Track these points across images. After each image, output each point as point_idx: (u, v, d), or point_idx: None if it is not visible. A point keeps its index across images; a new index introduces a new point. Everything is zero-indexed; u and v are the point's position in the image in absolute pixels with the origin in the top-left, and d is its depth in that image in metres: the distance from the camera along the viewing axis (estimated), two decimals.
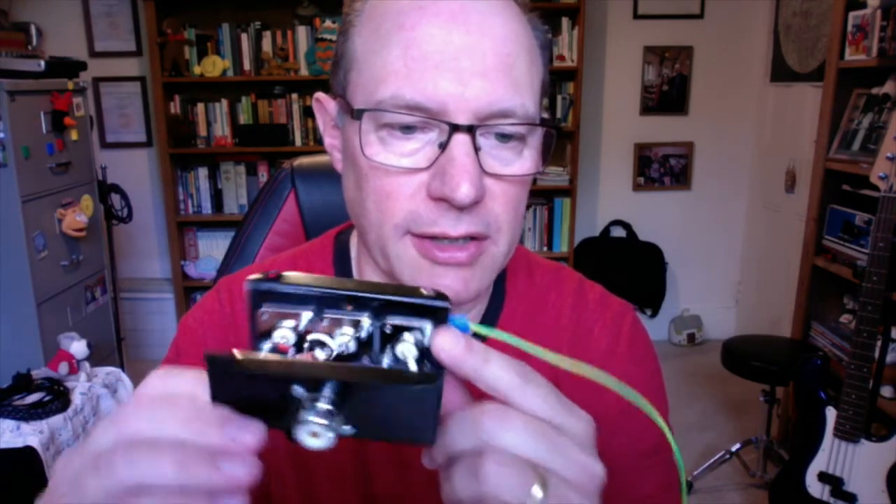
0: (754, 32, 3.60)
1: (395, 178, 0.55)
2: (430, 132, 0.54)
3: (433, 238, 0.56)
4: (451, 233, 0.55)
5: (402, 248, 0.57)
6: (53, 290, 2.56)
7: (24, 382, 2.09)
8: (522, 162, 0.57)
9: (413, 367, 0.36)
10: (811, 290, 2.53)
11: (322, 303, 0.37)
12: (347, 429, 0.34)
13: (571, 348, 0.68)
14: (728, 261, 3.89)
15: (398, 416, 0.35)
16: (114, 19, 3.50)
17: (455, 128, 0.52)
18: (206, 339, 0.67)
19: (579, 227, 3.67)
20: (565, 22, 3.43)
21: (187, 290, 3.58)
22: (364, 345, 0.37)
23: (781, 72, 3.38)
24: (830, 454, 1.88)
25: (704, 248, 3.87)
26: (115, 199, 3.04)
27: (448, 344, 0.36)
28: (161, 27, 3.29)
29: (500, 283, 0.70)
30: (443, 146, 0.53)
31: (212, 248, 3.63)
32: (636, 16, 3.62)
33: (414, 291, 0.37)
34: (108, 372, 2.32)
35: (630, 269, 3.74)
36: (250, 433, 0.34)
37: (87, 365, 2.27)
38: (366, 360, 0.37)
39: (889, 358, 2.05)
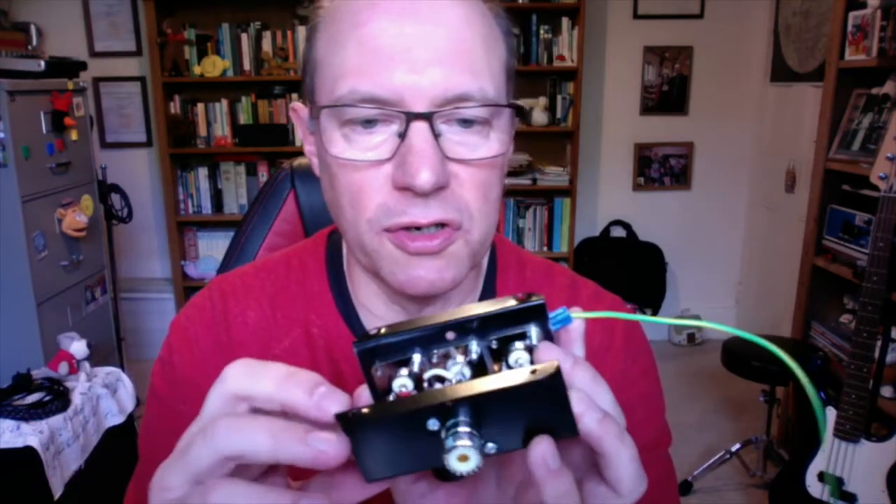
0: (754, 32, 3.60)
1: (363, 173, 0.56)
2: (392, 124, 0.55)
3: (406, 229, 0.56)
4: (421, 220, 0.55)
5: (378, 243, 0.57)
6: (53, 290, 2.56)
7: (24, 382, 2.09)
8: (489, 145, 0.57)
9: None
10: (811, 290, 2.53)
11: (426, 342, 0.38)
12: (491, 446, 0.35)
13: None
14: (728, 261, 3.89)
15: (534, 418, 0.36)
16: (114, 19, 3.50)
17: (412, 116, 0.53)
18: (198, 337, 0.67)
19: (579, 227, 3.67)
20: (565, 22, 3.43)
21: (187, 290, 3.58)
22: (478, 366, 0.38)
23: (781, 72, 3.38)
24: (830, 454, 1.88)
25: (704, 248, 3.87)
26: (115, 199, 3.04)
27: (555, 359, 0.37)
28: (161, 27, 3.29)
29: (490, 280, 0.70)
30: (402, 135, 0.54)
31: (212, 248, 3.64)
32: (636, 16, 3.62)
33: (506, 301, 0.38)
34: (108, 372, 2.32)
35: (630, 269, 3.74)
36: (335, 402, 0.35)
37: (87, 365, 2.26)
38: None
39: (889, 358, 2.05)
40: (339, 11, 0.57)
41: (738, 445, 2.56)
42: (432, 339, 0.38)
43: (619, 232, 3.82)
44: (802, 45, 3.19)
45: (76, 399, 2.10)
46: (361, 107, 0.54)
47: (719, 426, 2.98)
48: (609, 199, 3.84)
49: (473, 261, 0.61)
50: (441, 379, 0.37)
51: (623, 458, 0.37)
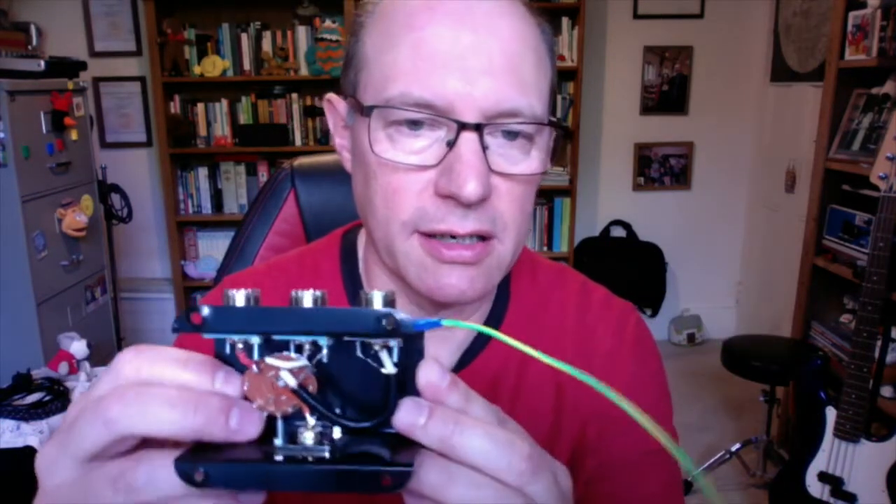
0: (754, 32, 3.60)
1: (403, 175, 0.56)
2: (439, 130, 0.55)
3: (441, 236, 0.56)
4: (458, 230, 0.55)
5: (408, 247, 0.57)
6: (53, 290, 2.56)
7: (24, 382, 2.09)
8: (530, 161, 0.57)
9: (389, 366, 0.34)
10: (811, 290, 2.53)
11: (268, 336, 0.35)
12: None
13: (575, 349, 0.68)
14: (728, 261, 3.89)
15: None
16: (114, 19, 3.50)
17: (463, 126, 0.53)
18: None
19: (579, 227, 3.67)
20: (565, 22, 3.43)
21: (187, 290, 3.58)
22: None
23: (781, 72, 3.38)
24: (830, 454, 1.88)
25: (704, 248, 3.87)
26: (115, 198, 3.05)
27: (433, 377, 0.34)
28: (161, 27, 3.29)
29: (504, 284, 0.70)
30: (451, 144, 0.54)
31: (212, 248, 3.63)
32: (636, 16, 3.62)
33: (364, 316, 0.33)
34: None
35: (630, 269, 3.74)
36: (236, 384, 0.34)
37: (87, 365, 2.27)
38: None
39: (889, 358, 2.05)
40: (393, 11, 0.57)
41: (738, 445, 2.56)
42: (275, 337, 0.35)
43: (619, 232, 3.82)
44: (802, 45, 3.19)
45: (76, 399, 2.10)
46: (413, 111, 0.54)
47: (719, 426, 2.98)
48: (609, 199, 3.84)
49: (503, 272, 0.61)
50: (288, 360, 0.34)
51: (469, 436, 0.33)
